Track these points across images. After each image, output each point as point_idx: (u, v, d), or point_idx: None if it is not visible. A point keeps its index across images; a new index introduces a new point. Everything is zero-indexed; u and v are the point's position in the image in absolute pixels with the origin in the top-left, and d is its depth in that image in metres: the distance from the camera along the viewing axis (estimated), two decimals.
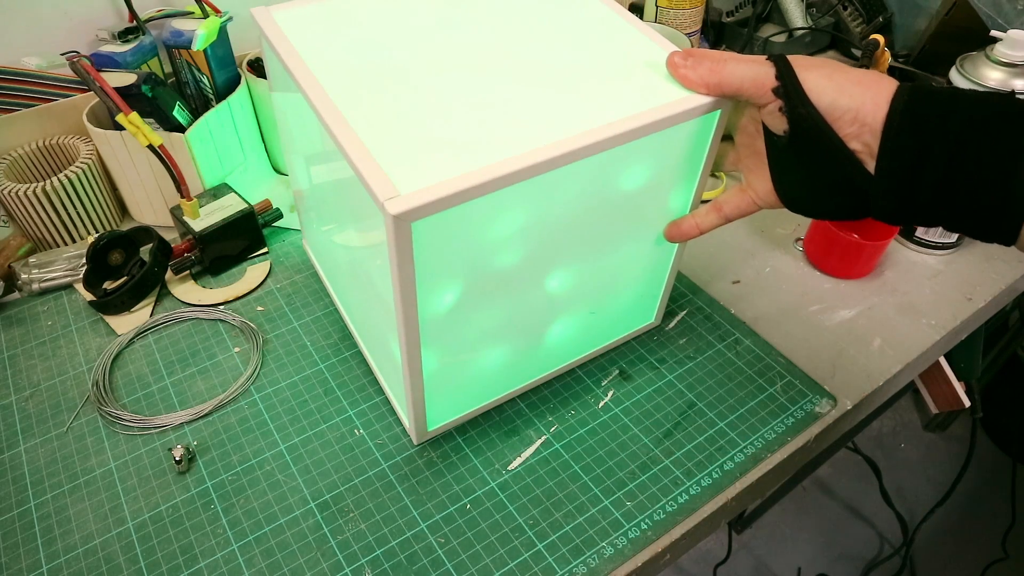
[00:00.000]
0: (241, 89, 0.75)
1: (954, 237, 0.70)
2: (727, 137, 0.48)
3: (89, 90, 0.68)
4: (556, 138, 0.40)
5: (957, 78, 0.64)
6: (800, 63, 0.40)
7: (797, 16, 1.00)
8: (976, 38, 0.68)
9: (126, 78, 0.64)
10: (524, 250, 0.46)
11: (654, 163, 0.47)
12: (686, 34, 0.91)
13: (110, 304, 0.64)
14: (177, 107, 0.68)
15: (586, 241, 0.49)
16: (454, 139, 0.40)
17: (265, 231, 0.73)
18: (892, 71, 0.86)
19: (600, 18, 0.51)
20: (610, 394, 0.57)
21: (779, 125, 0.41)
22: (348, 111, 0.41)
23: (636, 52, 0.47)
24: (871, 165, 0.38)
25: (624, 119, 0.41)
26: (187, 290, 0.67)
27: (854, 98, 0.38)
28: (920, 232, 0.70)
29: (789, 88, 0.39)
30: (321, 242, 0.63)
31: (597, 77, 0.45)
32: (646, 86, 0.44)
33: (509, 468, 0.52)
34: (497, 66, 0.46)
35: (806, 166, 0.41)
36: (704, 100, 0.43)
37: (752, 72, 0.41)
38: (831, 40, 1.04)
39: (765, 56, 0.41)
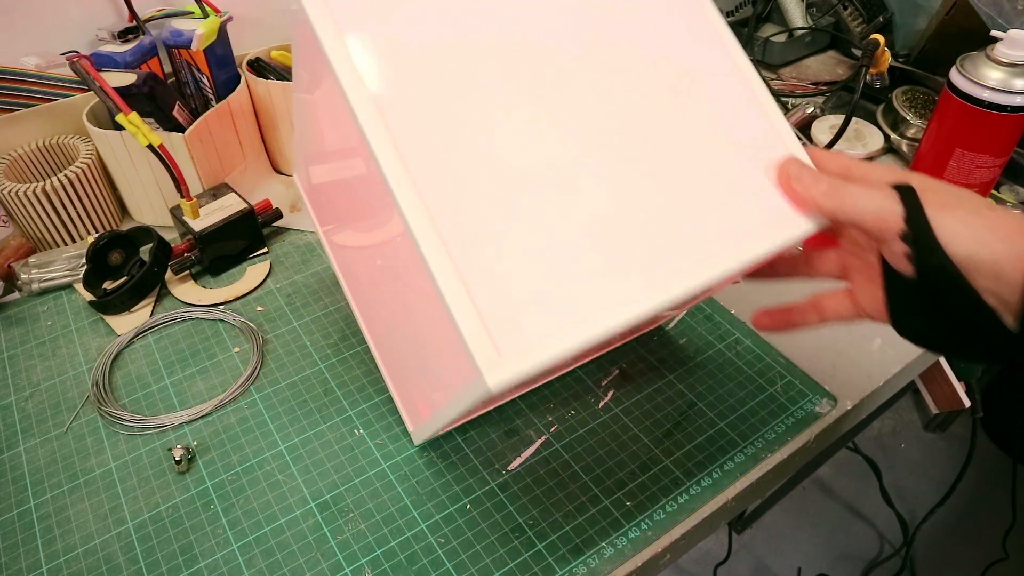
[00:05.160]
0: (241, 89, 0.75)
1: None
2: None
3: (89, 90, 0.68)
4: (663, 276, 0.36)
5: (957, 78, 0.64)
6: (932, 200, 0.35)
7: (797, 16, 1.00)
8: (976, 38, 0.68)
9: (126, 78, 0.64)
10: None
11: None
12: None
13: (110, 304, 0.64)
14: (177, 107, 0.68)
15: None
16: (554, 264, 0.35)
17: (265, 231, 0.73)
18: (892, 71, 0.86)
19: (726, 84, 0.43)
20: (610, 394, 0.57)
21: (904, 268, 0.36)
22: (437, 214, 0.34)
23: (753, 139, 0.41)
24: (1009, 319, 0.35)
25: (734, 254, 0.37)
26: (187, 290, 0.67)
27: (994, 251, 0.33)
28: None
29: (920, 236, 0.34)
30: (344, 249, 0.59)
31: (705, 175, 0.39)
32: (757, 196, 0.39)
33: (509, 468, 0.52)
34: (602, 144, 0.39)
35: (932, 308, 0.37)
36: (816, 223, 0.39)
37: (875, 206, 0.36)
38: (831, 40, 1.04)
39: (889, 182, 0.36)
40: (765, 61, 1.01)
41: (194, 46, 0.72)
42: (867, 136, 0.77)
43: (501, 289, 0.34)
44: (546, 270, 0.35)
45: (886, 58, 0.76)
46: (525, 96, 0.38)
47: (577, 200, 0.37)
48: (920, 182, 0.36)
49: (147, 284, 0.65)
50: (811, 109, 0.85)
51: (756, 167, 0.40)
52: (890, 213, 0.35)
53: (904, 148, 0.82)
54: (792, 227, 0.39)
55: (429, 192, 0.34)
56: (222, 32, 0.75)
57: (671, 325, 0.63)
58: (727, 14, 1.02)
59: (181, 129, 0.69)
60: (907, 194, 0.35)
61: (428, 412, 0.48)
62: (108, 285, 0.66)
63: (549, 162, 0.37)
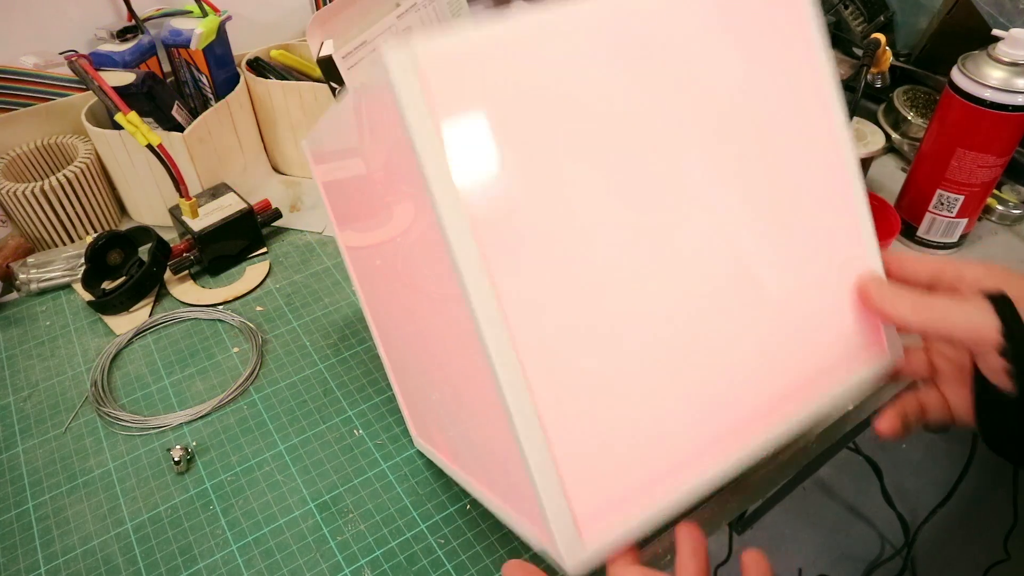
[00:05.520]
0: (240, 88, 0.75)
1: (955, 237, 0.69)
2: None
3: (88, 89, 0.68)
4: (754, 420, 0.34)
5: (959, 77, 0.64)
6: None
7: None
8: (978, 37, 0.68)
9: (125, 77, 0.64)
10: None
11: None
12: None
13: (109, 304, 0.64)
14: (176, 106, 0.68)
15: None
16: (637, 410, 0.32)
17: (264, 231, 0.73)
18: (893, 70, 0.86)
19: (827, 191, 0.39)
20: None
21: (1003, 384, 0.33)
22: (521, 339, 0.29)
23: (843, 255, 0.39)
24: None
25: (823, 391, 0.36)
26: (186, 290, 0.67)
27: None
28: (921, 231, 0.70)
29: (1022, 352, 0.32)
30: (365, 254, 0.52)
31: (797, 300, 0.37)
32: (845, 319, 0.38)
33: None
34: (694, 260, 0.35)
35: None
36: (900, 343, 0.38)
37: (967, 320, 0.33)
38: (832, 39, 1.04)
39: (982, 290, 0.34)
40: None
41: (193, 45, 0.72)
42: (868, 136, 0.77)
43: (585, 441, 0.30)
44: (629, 416, 0.31)
45: (887, 57, 0.75)
46: (623, 223, 0.33)
47: (661, 330, 0.33)
48: (1019, 290, 0.34)
49: (146, 284, 0.65)
50: None
51: (845, 286, 0.38)
52: (985, 327, 0.33)
53: (905, 148, 0.82)
54: (879, 357, 0.38)
55: (516, 318, 0.29)
56: (221, 31, 0.74)
57: None
58: None
59: (180, 129, 0.69)
60: (1003, 306, 0.33)
61: (447, 455, 0.47)
62: (107, 285, 0.66)
63: (636, 291, 0.33)
